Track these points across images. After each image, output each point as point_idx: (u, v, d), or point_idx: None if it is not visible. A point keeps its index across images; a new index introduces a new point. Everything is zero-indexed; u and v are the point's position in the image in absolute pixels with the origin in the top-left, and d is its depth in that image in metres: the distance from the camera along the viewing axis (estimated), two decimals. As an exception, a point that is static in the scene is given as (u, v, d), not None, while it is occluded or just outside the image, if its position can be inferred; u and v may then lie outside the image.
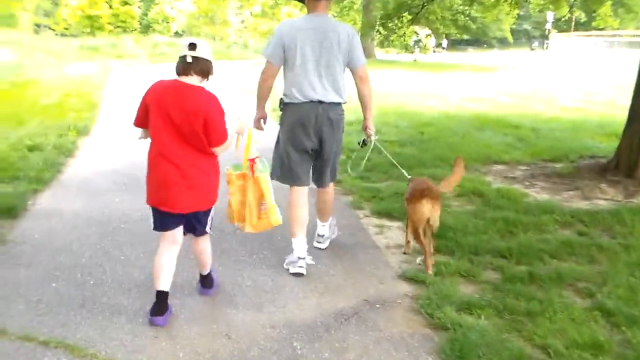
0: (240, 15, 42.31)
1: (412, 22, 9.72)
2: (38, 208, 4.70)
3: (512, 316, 3.04)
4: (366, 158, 4.47)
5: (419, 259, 3.77)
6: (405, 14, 9.16)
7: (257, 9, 40.68)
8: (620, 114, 10.04)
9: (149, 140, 2.90)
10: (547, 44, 48.56)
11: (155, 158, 2.84)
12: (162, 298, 2.93)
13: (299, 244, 3.61)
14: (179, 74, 2.83)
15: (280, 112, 3.68)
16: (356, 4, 25.14)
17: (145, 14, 39.69)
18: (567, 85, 17.18)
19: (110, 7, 35.38)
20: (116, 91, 13.06)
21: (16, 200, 4.62)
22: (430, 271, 3.55)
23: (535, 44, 51.63)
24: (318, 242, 3.99)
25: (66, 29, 34.62)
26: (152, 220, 2.96)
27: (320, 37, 3.47)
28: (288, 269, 3.58)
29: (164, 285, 2.93)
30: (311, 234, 3.91)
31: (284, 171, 3.68)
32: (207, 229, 3.06)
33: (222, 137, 2.83)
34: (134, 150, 3.26)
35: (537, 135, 8.38)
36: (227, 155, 2.95)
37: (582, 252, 3.91)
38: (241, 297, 3.25)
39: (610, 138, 7.91)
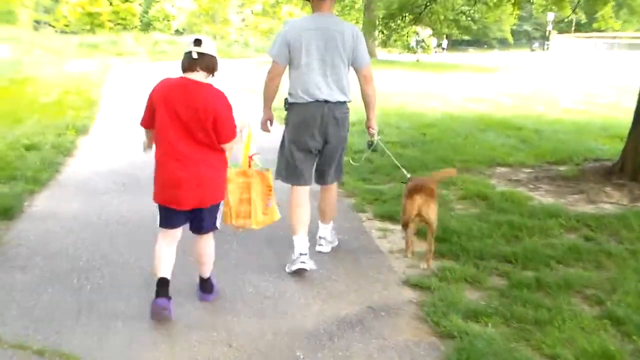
0: (241, 13, 42.26)
1: (415, 22, 9.63)
2: (35, 209, 4.63)
3: (520, 324, 2.96)
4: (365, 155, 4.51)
5: (423, 264, 3.70)
6: (408, 14, 9.08)
7: (258, 7, 40.64)
8: (623, 116, 9.99)
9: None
10: (547, 45, 48.57)
11: (163, 157, 2.83)
12: (164, 284, 2.91)
13: (300, 241, 3.59)
14: (184, 70, 2.85)
15: (285, 112, 3.66)
16: (357, 3, 25.09)
17: (146, 12, 39.65)
18: (568, 86, 17.14)
19: (111, 4, 35.34)
20: (116, 89, 12.99)
21: (12, 201, 4.55)
22: (428, 265, 3.66)
23: (536, 44, 51.66)
24: (320, 244, 3.91)
25: (66, 25, 34.57)
26: (157, 218, 2.95)
27: (325, 37, 3.47)
28: (291, 271, 3.52)
29: (165, 272, 2.93)
30: (313, 241, 3.82)
31: (289, 171, 3.67)
32: (218, 223, 3.05)
33: (231, 133, 2.86)
34: (133, 150, 3.20)
35: (540, 137, 8.29)
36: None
37: (589, 258, 3.84)
38: (242, 303, 3.17)
39: (613, 140, 7.83)
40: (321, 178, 3.80)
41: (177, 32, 38.41)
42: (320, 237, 3.92)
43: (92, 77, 14.77)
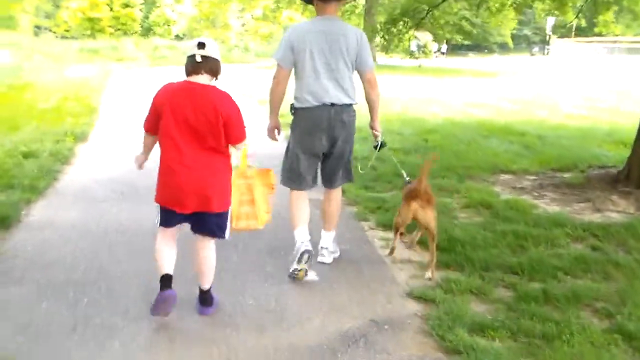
0: (241, 18, 42.24)
1: (416, 27, 9.58)
2: (32, 218, 4.55)
3: (528, 339, 2.88)
4: (372, 160, 4.45)
5: (426, 274, 3.62)
6: (409, 19, 9.02)
7: (258, 12, 40.57)
8: (625, 121, 9.92)
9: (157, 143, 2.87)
10: (547, 49, 48.55)
11: (169, 161, 2.80)
12: (167, 279, 2.88)
13: (301, 232, 3.59)
14: (188, 73, 2.82)
15: (292, 117, 3.65)
16: (358, 8, 25.07)
17: (147, 17, 39.63)
18: (569, 91, 17.07)
19: (111, 9, 35.35)
20: (115, 95, 12.91)
21: (9, 210, 4.47)
22: (432, 276, 3.59)
23: (536, 49, 51.59)
24: (322, 255, 3.83)
25: (67, 31, 34.59)
26: (157, 217, 2.91)
27: (330, 40, 3.46)
28: (292, 273, 3.48)
29: (168, 268, 2.90)
30: (314, 252, 3.72)
31: (293, 175, 3.67)
32: (227, 235, 3.00)
33: (242, 133, 2.86)
34: (132, 158, 3.13)
35: (543, 143, 8.20)
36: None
37: (597, 269, 3.76)
38: (242, 317, 3.08)
39: (618, 146, 7.76)
40: (329, 182, 3.78)
41: (178, 37, 38.39)
42: (322, 248, 3.84)
43: (92, 83, 14.70)
